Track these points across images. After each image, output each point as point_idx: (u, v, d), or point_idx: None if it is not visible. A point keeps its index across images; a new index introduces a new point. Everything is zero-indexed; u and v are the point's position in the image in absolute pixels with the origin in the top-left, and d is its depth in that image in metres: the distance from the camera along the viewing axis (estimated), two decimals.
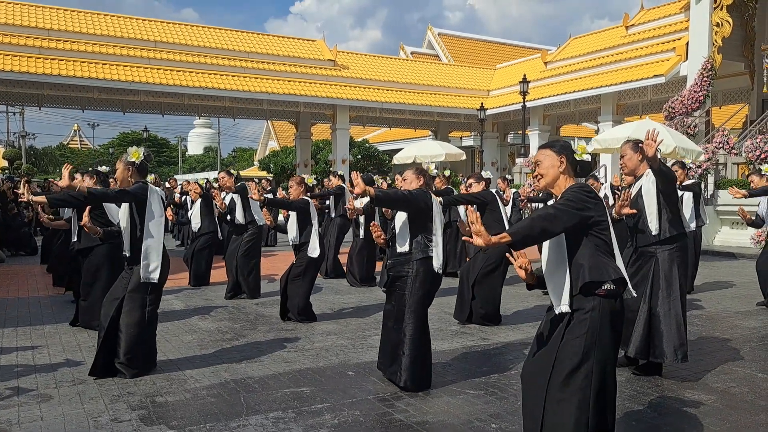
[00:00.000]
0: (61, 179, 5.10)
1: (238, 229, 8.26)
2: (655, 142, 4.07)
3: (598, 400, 2.79)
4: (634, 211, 4.61)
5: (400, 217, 4.49)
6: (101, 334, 4.66)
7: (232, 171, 8.83)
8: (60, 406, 4.04)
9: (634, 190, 4.78)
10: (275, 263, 11.61)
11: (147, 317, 4.70)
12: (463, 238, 2.82)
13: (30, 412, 3.91)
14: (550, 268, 2.92)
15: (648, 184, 4.66)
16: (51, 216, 7.13)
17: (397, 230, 4.48)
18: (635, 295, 3.32)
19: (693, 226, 7.84)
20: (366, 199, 9.03)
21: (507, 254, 2.87)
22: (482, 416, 3.84)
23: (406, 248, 4.39)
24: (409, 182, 4.65)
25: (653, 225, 4.63)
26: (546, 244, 2.93)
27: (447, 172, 9.53)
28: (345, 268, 9.75)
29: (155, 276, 4.67)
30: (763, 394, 4.25)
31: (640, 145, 4.58)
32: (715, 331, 6.16)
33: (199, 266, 9.14)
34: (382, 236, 4.56)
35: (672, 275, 4.61)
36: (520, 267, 2.82)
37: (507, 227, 6.04)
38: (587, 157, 3.02)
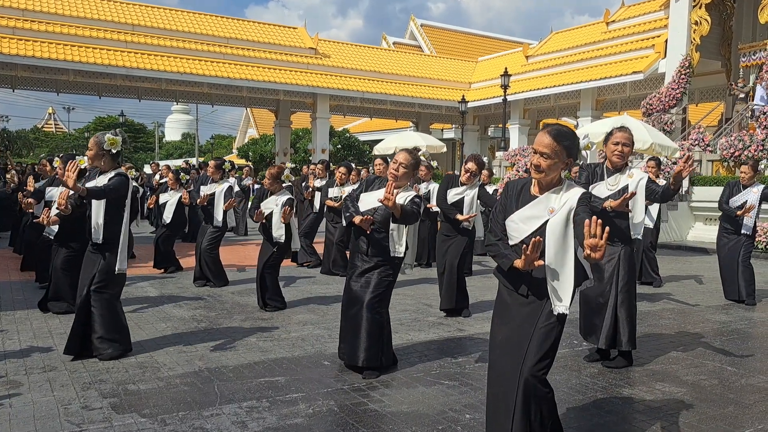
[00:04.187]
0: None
1: (211, 219, 8.15)
2: (691, 167, 4.37)
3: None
4: (630, 209, 4.70)
5: (398, 224, 4.49)
6: (76, 318, 4.72)
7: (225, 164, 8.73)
8: (29, 392, 3.97)
9: (622, 186, 4.77)
10: (250, 253, 11.53)
11: (118, 302, 4.90)
12: (586, 253, 2.48)
13: None
14: (552, 268, 2.90)
15: (640, 188, 4.72)
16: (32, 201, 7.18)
17: (394, 234, 4.52)
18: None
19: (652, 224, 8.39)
20: (348, 189, 8.95)
21: (525, 246, 2.77)
22: (456, 406, 3.86)
23: (401, 252, 4.56)
24: (401, 173, 4.43)
25: (634, 229, 4.80)
26: (552, 245, 2.88)
27: (434, 164, 9.53)
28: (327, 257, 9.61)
29: (125, 267, 4.80)
30: (731, 387, 4.33)
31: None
32: (687, 325, 6.26)
33: (165, 253, 9.19)
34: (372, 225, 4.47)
35: (631, 270, 4.81)
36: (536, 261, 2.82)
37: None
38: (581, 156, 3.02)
